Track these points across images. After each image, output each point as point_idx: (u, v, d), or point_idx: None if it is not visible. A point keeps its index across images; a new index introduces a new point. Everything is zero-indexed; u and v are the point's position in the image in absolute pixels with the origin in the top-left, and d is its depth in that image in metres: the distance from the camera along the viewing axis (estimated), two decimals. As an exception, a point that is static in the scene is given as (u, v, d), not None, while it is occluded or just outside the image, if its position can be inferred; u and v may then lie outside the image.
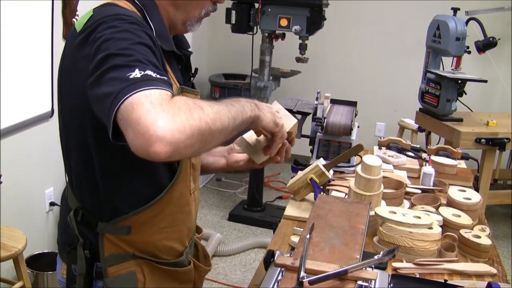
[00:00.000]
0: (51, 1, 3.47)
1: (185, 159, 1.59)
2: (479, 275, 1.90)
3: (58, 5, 3.58)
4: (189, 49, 1.77)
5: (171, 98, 1.20)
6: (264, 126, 1.51)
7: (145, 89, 1.18)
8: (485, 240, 2.02)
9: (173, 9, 1.59)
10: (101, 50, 1.29)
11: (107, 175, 1.50)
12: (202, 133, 1.19)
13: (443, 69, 4.41)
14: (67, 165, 1.60)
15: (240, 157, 1.89)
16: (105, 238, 1.54)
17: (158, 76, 1.24)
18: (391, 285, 1.52)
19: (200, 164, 1.79)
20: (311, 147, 2.96)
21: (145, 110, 1.13)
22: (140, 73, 1.21)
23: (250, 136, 1.71)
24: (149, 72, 1.23)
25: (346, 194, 2.33)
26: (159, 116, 1.13)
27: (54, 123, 3.06)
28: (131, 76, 1.20)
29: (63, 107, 1.55)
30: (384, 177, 2.26)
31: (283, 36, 4.85)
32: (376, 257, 1.46)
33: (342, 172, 2.75)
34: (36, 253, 3.59)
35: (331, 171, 2.41)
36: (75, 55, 1.42)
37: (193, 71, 1.75)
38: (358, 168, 2.17)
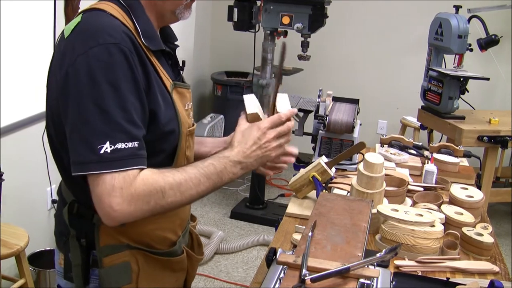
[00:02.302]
0: (53, 0, 3.47)
1: (180, 154, 1.63)
2: (482, 273, 1.90)
3: (60, 4, 3.58)
4: (176, 42, 1.79)
5: (135, 179, 1.39)
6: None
7: (111, 172, 1.36)
8: (487, 238, 2.01)
9: (160, 1, 1.59)
10: (80, 94, 1.39)
11: None
12: (155, 212, 1.44)
13: (445, 67, 4.40)
14: (58, 160, 1.62)
15: None
16: (100, 229, 1.57)
17: (127, 144, 1.38)
18: (393, 283, 1.52)
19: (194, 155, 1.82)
20: (313, 144, 2.97)
21: (106, 192, 1.36)
22: (111, 147, 1.36)
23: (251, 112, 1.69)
24: (119, 146, 1.37)
25: (348, 192, 2.33)
26: (115, 200, 1.36)
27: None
28: (101, 151, 1.36)
29: (48, 102, 1.58)
30: (386, 175, 2.26)
31: (285, 33, 4.84)
32: (378, 255, 1.46)
33: (344, 170, 2.75)
34: (38, 250, 3.59)
35: (333, 169, 2.41)
36: (59, 62, 1.47)
37: (180, 65, 1.78)
38: (360, 166, 2.17)
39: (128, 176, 1.38)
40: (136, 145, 1.40)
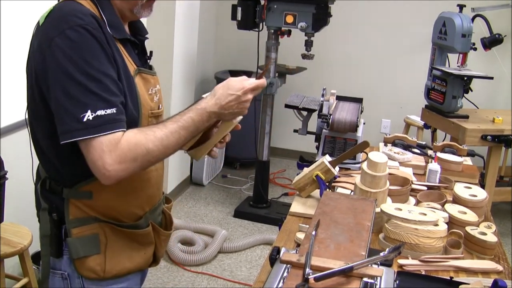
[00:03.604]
0: (57, 1, 3.48)
1: None
2: (485, 272, 1.90)
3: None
4: (146, 35, 1.94)
5: (119, 141, 1.54)
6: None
7: (97, 136, 1.52)
8: (491, 237, 2.01)
9: (118, 1, 1.74)
10: (59, 73, 1.54)
11: (64, 146, 1.60)
12: (144, 166, 1.62)
13: (449, 66, 4.40)
14: (35, 140, 1.76)
15: None
16: (70, 203, 1.72)
17: (106, 111, 1.54)
18: (397, 282, 1.51)
19: None
20: (317, 143, 2.97)
21: (97, 156, 1.53)
22: (92, 114, 1.52)
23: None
24: (99, 113, 1.53)
25: (351, 191, 2.33)
26: (106, 161, 1.53)
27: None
28: (85, 119, 1.51)
29: (27, 85, 1.71)
30: (389, 174, 2.26)
31: (288, 32, 4.84)
32: (381, 254, 1.46)
33: (348, 169, 2.75)
34: (42, 249, 3.59)
35: (337, 168, 2.41)
36: (37, 48, 1.61)
37: (148, 54, 1.92)
38: (364, 165, 2.17)
39: (113, 139, 1.54)
40: (115, 111, 1.56)
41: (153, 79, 1.83)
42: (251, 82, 1.74)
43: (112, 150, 1.53)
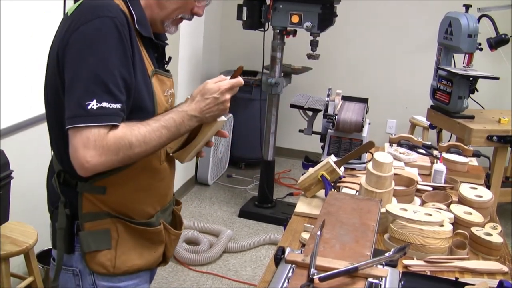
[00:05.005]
0: (63, 1, 3.48)
1: None
2: (491, 273, 1.89)
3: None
4: (166, 41, 1.97)
5: (107, 134, 1.55)
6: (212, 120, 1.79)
7: (89, 125, 1.53)
8: (496, 238, 2.01)
9: (157, 8, 1.79)
10: (76, 58, 1.59)
11: None
12: (124, 161, 1.61)
13: (455, 66, 4.39)
14: (50, 131, 1.79)
15: None
16: (83, 197, 1.74)
17: (111, 105, 1.56)
18: (402, 282, 1.51)
19: None
20: (322, 144, 2.96)
21: (81, 144, 1.54)
22: (97, 105, 1.54)
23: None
24: (104, 104, 1.55)
25: (357, 191, 2.33)
26: (89, 152, 1.53)
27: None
28: (89, 107, 1.53)
29: (46, 73, 1.75)
30: (395, 174, 2.25)
31: (294, 32, 4.84)
32: (386, 254, 1.46)
33: (353, 169, 2.75)
34: (47, 248, 3.60)
35: (342, 168, 2.41)
36: (61, 35, 1.65)
37: (167, 60, 1.98)
38: (369, 165, 2.17)
39: (103, 130, 1.55)
40: (119, 107, 1.58)
41: (168, 81, 1.87)
42: (227, 82, 1.76)
43: (98, 140, 1.54)
